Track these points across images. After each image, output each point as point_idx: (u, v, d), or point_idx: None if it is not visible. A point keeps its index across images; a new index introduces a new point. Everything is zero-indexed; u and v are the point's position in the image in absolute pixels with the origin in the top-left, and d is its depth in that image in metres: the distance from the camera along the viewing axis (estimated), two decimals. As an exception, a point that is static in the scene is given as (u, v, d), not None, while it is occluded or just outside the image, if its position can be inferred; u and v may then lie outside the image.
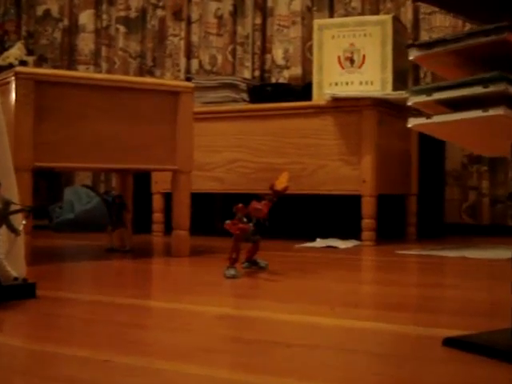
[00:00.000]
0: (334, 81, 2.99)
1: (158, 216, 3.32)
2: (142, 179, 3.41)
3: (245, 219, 1.85)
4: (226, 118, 3.14)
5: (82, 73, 1.99)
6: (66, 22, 4.38)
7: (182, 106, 2.28)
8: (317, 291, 1.59)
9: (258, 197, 1.90)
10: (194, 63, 4.03)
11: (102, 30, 4.29)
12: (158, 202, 3.32)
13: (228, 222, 1.83)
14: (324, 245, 2.75)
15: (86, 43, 4.33)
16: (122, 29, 4.20)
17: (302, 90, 3.15)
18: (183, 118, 2.28)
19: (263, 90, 3.20)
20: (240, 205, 1.86)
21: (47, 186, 4.36)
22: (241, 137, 3.10)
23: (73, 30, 4.40)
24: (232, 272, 1.80)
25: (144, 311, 1.34)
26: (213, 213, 3.74)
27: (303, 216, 3.48)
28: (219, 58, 3.97)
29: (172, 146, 2.27)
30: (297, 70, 3.72)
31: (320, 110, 2.92)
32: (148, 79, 2.16)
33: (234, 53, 3.93)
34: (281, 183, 1.89)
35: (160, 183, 3.29)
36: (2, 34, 4.47)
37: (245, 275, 1.85)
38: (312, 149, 2.94)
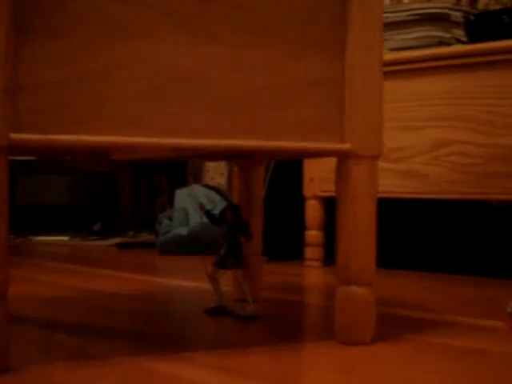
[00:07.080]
0: None
1: (313, 235, 2.08)
2: (293, 170, 2.20)
3: None
4: (429, 71, 1.84)
5: None
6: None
7: (358, 16, 1.03)
8: None
9: None
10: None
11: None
12: (313, 211, 2.08)
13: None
14: None
15: None
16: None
17: None
18: (359, 41, 1.03)
19: (494, 21, 1.87)
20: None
21: (168, 183, 3.26)
22: (455, 102, 1.80)
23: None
24: None
25: None
26: (401, 233, 2.38)
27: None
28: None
29: (336, 103, 1.03)
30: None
31: None
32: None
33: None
34: None
35: (317, 181, 2.05)
36: None
37: None
38: None
